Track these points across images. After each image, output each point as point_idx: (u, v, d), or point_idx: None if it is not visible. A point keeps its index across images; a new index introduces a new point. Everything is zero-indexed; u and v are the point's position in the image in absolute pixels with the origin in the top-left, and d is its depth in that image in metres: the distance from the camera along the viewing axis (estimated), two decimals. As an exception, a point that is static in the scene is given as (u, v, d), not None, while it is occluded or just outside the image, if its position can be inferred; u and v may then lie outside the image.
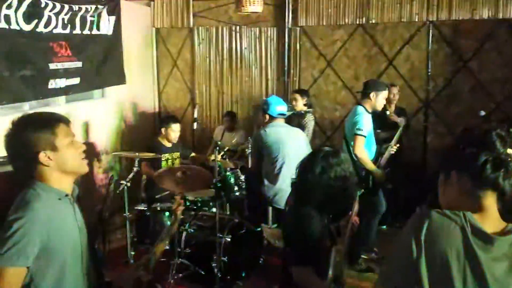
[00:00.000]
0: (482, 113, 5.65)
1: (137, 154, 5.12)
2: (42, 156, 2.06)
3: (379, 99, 5.06)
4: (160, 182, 4.23)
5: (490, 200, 1.85)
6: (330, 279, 2.35)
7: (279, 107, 4.97)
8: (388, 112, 6.05)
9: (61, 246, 2.05)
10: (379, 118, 5.58)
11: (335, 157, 2.52)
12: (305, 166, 2.53)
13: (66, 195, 2.15)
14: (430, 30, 6.59)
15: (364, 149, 4.91)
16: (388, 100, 5.85)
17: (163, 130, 5.77)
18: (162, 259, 4.74)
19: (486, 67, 6.39)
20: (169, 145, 5.77)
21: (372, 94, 5.04)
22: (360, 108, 5.07)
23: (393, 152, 5.10)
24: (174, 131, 5.73)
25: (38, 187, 2.06)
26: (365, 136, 4.89)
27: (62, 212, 2.12)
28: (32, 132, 2.05)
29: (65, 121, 2.17)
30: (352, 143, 4.94)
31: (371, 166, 4.91)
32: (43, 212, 2.00)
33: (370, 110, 5.07)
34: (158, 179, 4.26)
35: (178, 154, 5.89)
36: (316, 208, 2.49)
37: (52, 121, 2.12)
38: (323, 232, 2.53)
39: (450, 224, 1.81)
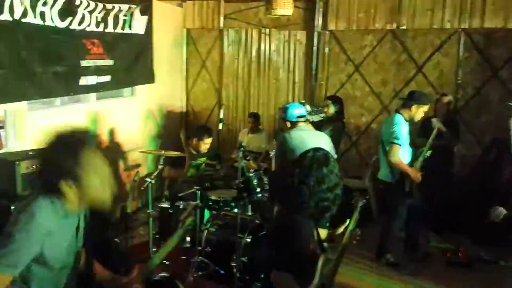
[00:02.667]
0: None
1: (162, 152, 5.19)
2: (68, 188, 2.10)
3: (418, 112, 5.17)
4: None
5: None
6: (315, 286, 2.35)
7: (296, 110, 5.01)
8: (434, 121, 5.91)
9: (53, 258, 2.10)
10: (423, 126, 5.78)
11: (328, 164, 2.48)
12: (299, 175, 2.46)
13: (76, 215, 2.20)
14: (461, 38, 6.50)
15: (399, 156, 5.05)
16: (436, 109, 6.02)
17: (194, 140, 5.67)
18: (183, 257, 4.83)
19: (517, 77, 6.27)
20: (195, 152, 5.77)
21: (413, 106, 5.13)
22: (398, 117, 5.17)
23: (427, 156, 5.15)
24: (206, 143, 5.68)
25: (48, 198, 2.08)
26: (400, 145, 5.03)
27: (64, 228, 2.15)
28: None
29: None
30: (387, 148, 5.11)
31: (406, 168, 5.06)
32: (45, 226, 2.03)
33: (407, 120, 5.17)
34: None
35: (204, 159, 5.90)
36: (309, 217, 2.49)
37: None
38: (312, 241, 2.52)
39: None
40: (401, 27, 6.80)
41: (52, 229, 2.06)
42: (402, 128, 5.07)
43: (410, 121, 5.22)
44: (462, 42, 6.51)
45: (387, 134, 5.18)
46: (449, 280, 5.05)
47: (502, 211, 4.43)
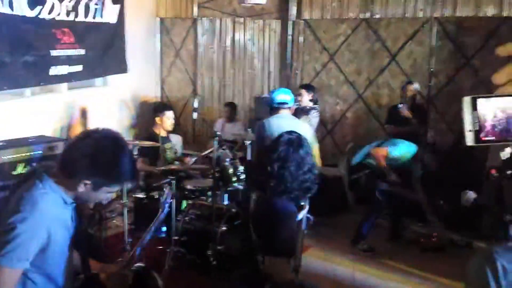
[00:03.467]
0: None
1: (136, 142, 5.13)
2: (83, 184, 2.05)
3: None
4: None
5: None
6: (292, 267, 2.40)
7: (279, 96, 4.87)
8: (400, 106, 6.01)
9: (55, 245, 2.06)
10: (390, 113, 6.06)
11: (303, 146, 2.49)
12: (279, 159, 2.45)
13: (72, 203, 2.15)
14: (434, 27, 6.56)
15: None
16: (403, 96, 6.17)
17: (157, 119, 5.65)
18: (159, 247, 4.79)
19: (489, 65, 6.36)
20: (164, 134, 5.74)
21: None
22: None
23: None
24: (170, 118, 5.66)
25: (48, 184, 2.04)
26: None
27: (64, 215, 2.12)
28: (112, 167, 2.05)
29: (131, 182, 2.20)
30: None
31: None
32: (49, 213, 1.99)
33: None
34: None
35: (169, 144, 5.86)
36: (292, 199, 2.49)
37: (127, 180, 2.13)
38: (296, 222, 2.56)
39: None
40: (374, 16, 6.83)
41: (54, 215, 2.02)
42: None
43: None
44: (434, 31, 6.57)
45: None
46: (422, 264, 5.13)
47: (471, 195, 4.51)
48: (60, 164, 2.06)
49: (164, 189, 4.24)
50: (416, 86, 6.18)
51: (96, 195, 2.12)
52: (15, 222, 1.91)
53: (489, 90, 6.28)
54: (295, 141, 2.50)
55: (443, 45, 6.57)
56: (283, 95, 4.87)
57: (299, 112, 6.00)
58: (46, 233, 1.98)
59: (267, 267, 2.43)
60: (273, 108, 4.84)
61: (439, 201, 6.00)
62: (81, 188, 2.04)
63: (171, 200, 4.20)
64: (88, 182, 2.02)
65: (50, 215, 2.00)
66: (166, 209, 3.31)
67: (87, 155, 2.00)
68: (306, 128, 4.92)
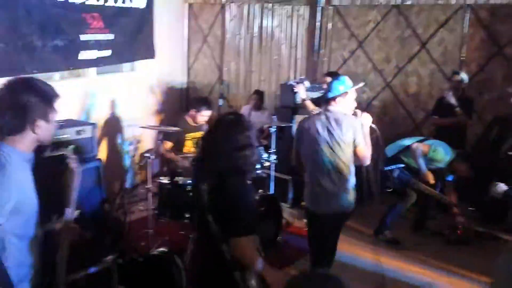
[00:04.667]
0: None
1: (161, 127, 5.16)
2: (38, 124, 2.18)
3: None
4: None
5: None
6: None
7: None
8: (446, 94, 5.92)
9: (26, 204, 2.20)
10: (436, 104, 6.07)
11: (247, 125, 2.57)
12: (227, 141, 2.51)
13: (30, 159, 2.28)
14: (467, 14, 6.39)
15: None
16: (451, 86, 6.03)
17: (193, 111, 5.59)
18: (181, 232, 4.83)
19: (523, 54, 6.18)
20: (194, 124, 5.72)
21: None
22: None
23: None
24: (204, 116, 5.59)
25: (8, 150, 2.16)
26: None
27: (27, 173, 2.26)
28: (36, 99, 2.16)
29: (59, 96, 2.29)
30: None
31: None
32: (15, 173, 2.13)
33: None
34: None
35: (201, 133, 5.85)
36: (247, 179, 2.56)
37: (54, 95, 2.25)
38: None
39: None
40: (405, 3, 6.68)
41: (20, 175, 2.17)
42: None
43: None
44: (467, 18, 6.39)
45: None
46: (446, 256, 5.07)
47: (502, 187, 4.41)
48: (6, 124, 2.16)
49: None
50: (463, 76, 6.02)
51: (51, 127, 2.25)
52: None
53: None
54: (237, 123, 2.58)
55: (475, 32, 6.39)
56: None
57: (323, 100, 5.94)
58: (16, 191, 2.12)
59: None
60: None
61: (469, 206, 5.93)
62: (37, 129, 2.17)
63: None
64: (37, 118, 2.16)
65: (17, 174, 2.14)
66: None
67: (23, 99, 2.13)
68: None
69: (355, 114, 3.94)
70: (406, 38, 6.78)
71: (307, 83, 6.07)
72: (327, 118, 3.84)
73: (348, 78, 3.98)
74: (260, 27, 7.75)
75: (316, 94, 6.16)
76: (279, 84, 7.41)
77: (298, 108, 6.32)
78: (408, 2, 6.67)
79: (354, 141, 3.74)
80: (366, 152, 3.80)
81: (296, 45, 7.53)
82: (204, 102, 5.69)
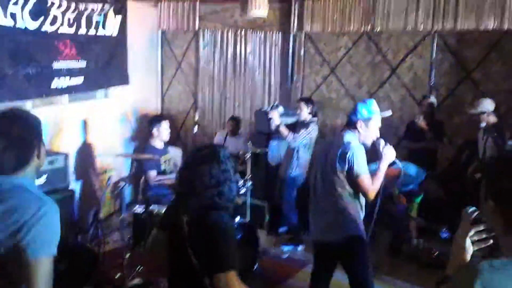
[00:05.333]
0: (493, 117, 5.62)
1: (135, 155, 5.12)
2: (36, 157, 2.09)
3: None
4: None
5: None
6: None
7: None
8: (417, 118, 6.05)
9: None
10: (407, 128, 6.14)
11: (223, 159, 2.53)
12: (203, 177, 2.45)
13: None
14: (435, 40, 6.57)
15: None
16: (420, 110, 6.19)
17: (155, 130, 5.65)
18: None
19: (489, 78, 6.36)
20: (161, 146, 5.73)
21: None
22: None
23: None
24: (165, 128, 5.68)
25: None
26: None
27: None
28: (38, 136, 2.12)
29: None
30: None
31: None
32: None
33: None
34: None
35: (169, 155, 5.85)
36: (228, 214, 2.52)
37: (41, 130, 2.17)
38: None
39: (505, 278, 1.54)
40: (375, 29, 6.84)
41: None
42: None
43: None
44: (435, 44, 6.57)
45: None
46: (421, 279, 5.08)
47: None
48: (14, 160, 2.05)
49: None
50: (433, 100, 6.19)
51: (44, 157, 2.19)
52: None
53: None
54: (223, 156, 2.53)
55: (444, 58, 6.57)
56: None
57: (299, 125, 6.00)
58: None
59: None
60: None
61: (442, 227, 6.01)
62: (36, 161, 2.09)
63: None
64: (37, 151, 2.09)
65: None
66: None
67: (24, 132, 2.06)
68: None
69: (378, 144, 3.69)
70: (377, 64, 6.92)
71: (281, 109, 6.12)
72: (332, 143, 3.77)
73: (375, 103, 3.75)
74: (234, 53, 7.81)
75: (290, 120, 6.22)
76: (253, 110, 7.46)
77: (273, 134, 6.35)
78: (378, 29, 6.82)
79: (351, 172, 3.51)
80: (367, 185, 3.54)
81: (270, 71, 7.60)
82: (158, 116, 5.82)
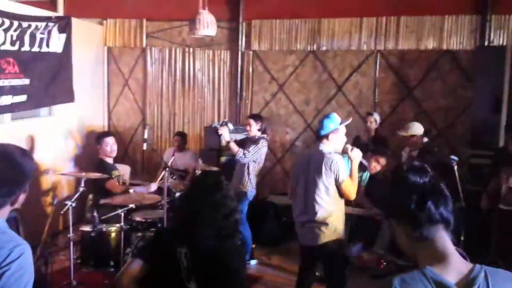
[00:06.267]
0: (425, 139, 5.86)
1: (83, 174, 5.01)
2: (23, 193, 2.02)
3: None
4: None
5: (445, 241, 1.67)
6: None
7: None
8: (360, 134, 6.25)
9: None
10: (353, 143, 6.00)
11: (228, 186, 2.47)
12: (214, 207, 2.37)
13: None
14: (378, 59, 6.83)
15: None
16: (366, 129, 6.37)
17: (99, 147, 5.67)
18: (106, 281, 4.64)
19: (429, 96, 6.67)
20: (111, 161, 5.68)
21: None
22: None
23: None
24: (108, 143, 5.63)
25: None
26: None
27: None
28: (22, 182, 2.02)
29: None
30: None
31: None
32: None
33: None
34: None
35: (117, 171, 5.79)
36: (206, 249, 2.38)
37: (29, 175, 2.07)
38: None
39: None
40: (321, 48, 7.04)
41: None
42: None
43: None
44: (378, 63, 6.83)
45: None
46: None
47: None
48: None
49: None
50: (376, 117, 6.39)
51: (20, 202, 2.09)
52: None
53: (431, 121, 6.57)
54: (210, 184, 2.44)
55: (386, 76, 6.84)
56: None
57: (248, 141, 6.05)
58: None
59: None
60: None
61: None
62: (21, 199, 2.02)
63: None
64: (14, 197, 1.98)
65: None
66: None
67: (14, 169, 1.97)
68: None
69: (346, 149, 4.11)
70: (323, 81, 7.12)
71: (230, 125, 6.15)
72: (310, 156, 4.14)
73: (337, 115, 4.17)
74: (182, 70, 7.81)
75: (240, 136, 6.26)
76: (203, 127, 7.47)
77: (223, 150, 6.37)
78: (323, 48, 7.03)
79: (337, 180, 3.93)
80: (350, 188, 4.00)
81: (219, 88, 7.65)
82: (101, 133, 5.79)
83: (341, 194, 4.03)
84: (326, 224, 3.98)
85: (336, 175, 3.93)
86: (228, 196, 2.43)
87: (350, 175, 4.06)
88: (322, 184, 3.96)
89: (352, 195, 4.09)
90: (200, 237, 2.34)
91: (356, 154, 4.10)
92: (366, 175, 5.66)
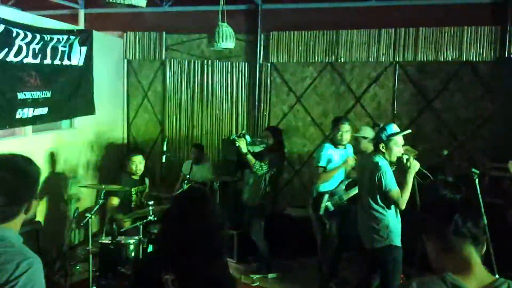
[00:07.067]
0: (445, 152, 5.80)
1: (103, 186, 5.07)
2: (25, 209, 2.01)
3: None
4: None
5: (471, 254, 1.75)
6: None
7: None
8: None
9: None
10: None
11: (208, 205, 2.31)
12: (204, 222, 2.22)
13: None
14: (396, 70, 6.80)
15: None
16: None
17: (126, 163, 5.73)
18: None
19: (449, 107, 6.61)
20: (136, 177, 5.72)
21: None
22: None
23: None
24: (134, 162, 5.68)
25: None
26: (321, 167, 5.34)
27: None
28: (32, 190, 2.03)
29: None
30: None
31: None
32: None
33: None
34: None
35: (144, 187, 5.84)
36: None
37: (37, 184, 2.08)
38: None
39: None
40: (339, 60, 7.03)
41: None
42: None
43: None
44: (397, 74, 6.80)
45: None
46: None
47: None
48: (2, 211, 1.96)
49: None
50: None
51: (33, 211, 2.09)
52: None
53: (451, 133, 6.50)
54: (197, 198, 2.32)
55: (405, 88, 6.80)
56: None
57: (266, 153, 6.06)
58: None
59: None
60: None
61: None
62: (23, 215, 2.00)
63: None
64: (27, 205, 1.99)
65: None
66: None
67: (20, 177, 1.97)
68: None
69: (401, 159, 4.16)
70: (341, 93, 7.10)
71: (248, 137, 6.16)
72: (363, 163, 4.50)
73: (395, 125, 4.34)
74: (201, 82, 7.86)
75: (257, 148, 6.26)
76: (221, 139, 7.49)
77: (242, 162, 6.37)
78: (341, 60, 7.02)
79: (380, 186, 4.10)
80: (397, 197, 4.10)
81: (237, 100, 7.68)
82: (131, 150, 5.81)
83: (388, 202, 4.17)
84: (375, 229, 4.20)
85: (383, 183, 4.10)
86: (215, 212, 2.29)
87: (403, 185, 4.12)
88: (372, 192, 4.18)
89: (401, 205, 4.15)
90: (187, 260, 2.17)
91: (414, 164, 4.13)
92: None
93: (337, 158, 5.39)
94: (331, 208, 5.31)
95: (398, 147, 4.23)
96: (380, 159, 4.20)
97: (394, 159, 4.22)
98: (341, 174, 5.44)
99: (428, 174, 4.36)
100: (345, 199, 5.33)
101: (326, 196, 5.32)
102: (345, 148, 5.49)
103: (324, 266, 5.49)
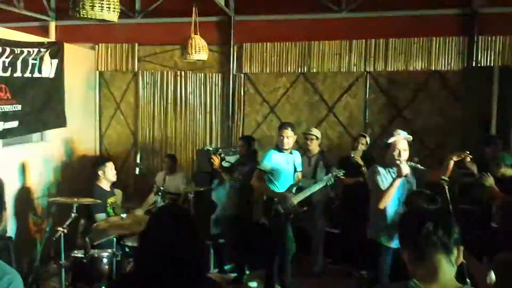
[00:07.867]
0: (416, 160, 5.89)
1: (75, 199, 4.99)
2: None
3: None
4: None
5: (439, 262, 1.81)
6: None
7: None
8: (352, 154, 6.22)
9: None
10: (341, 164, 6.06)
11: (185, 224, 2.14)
12: (187, 236, 2.08)
13: None
14: (368, 80, 6.91)
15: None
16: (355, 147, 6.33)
17: (100, 172, 5.59)
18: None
19: (419, 116, 6.74)
20: (107, 188, 5.65)
21: None
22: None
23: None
24: (112, 168, 5.62)
25: None
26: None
27: None
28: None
29: None
30: None
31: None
32: None
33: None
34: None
35: (114, 198, 5.77)
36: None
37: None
38: None
39: None
40: (311, 70, 7.12)
41: None
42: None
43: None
44: (368, 84, 6.92)
45: None
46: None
47: None
48: None
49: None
50: (367, 139, 6.40)
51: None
52: None
53: (422, 141, 6.62)
54: (180, 216, 2.18)
55: (376, 97, 6.91)
56: None
57: (239, 163, 6.08)
58: None
59: None
60: None
61: None
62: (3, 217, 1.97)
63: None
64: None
65: None
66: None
67: None
68: None
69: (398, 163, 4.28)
70: (314, 103, 7.18)
71: (226, 163, 6.20)
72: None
73: (398, 131, 4.51)
74: (174, 93, 7.85)
75: (232, 158, 6.28)
76: (195, 149, 7.48)
77: (216, 172, 6.38)
78: (314, 70, 7.11)
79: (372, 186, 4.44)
80: (378, 197, 4.33)
81: (211, 111, 7.69)
82: (102, 158, 5.78)
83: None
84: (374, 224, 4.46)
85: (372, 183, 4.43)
86: (198, 230, 2.15)
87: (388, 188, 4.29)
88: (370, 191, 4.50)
89: (380, 204, 4.31)
90: (173, 283, 2.00)
91: (402, 170, 4.21)
92: None
93: (283, 162, 5.42)
94: (281, 211, 5.30)
95: (396, 151, 4.40)
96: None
97: (393, 163, 4.37)
98: (290, 178, 5.45)
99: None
100: (295, 203, 5.34)
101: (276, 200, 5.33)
102: (291, 153, 5.50)
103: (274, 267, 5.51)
